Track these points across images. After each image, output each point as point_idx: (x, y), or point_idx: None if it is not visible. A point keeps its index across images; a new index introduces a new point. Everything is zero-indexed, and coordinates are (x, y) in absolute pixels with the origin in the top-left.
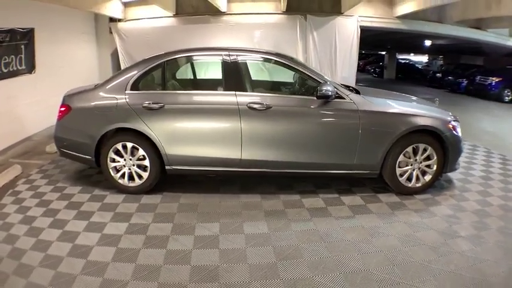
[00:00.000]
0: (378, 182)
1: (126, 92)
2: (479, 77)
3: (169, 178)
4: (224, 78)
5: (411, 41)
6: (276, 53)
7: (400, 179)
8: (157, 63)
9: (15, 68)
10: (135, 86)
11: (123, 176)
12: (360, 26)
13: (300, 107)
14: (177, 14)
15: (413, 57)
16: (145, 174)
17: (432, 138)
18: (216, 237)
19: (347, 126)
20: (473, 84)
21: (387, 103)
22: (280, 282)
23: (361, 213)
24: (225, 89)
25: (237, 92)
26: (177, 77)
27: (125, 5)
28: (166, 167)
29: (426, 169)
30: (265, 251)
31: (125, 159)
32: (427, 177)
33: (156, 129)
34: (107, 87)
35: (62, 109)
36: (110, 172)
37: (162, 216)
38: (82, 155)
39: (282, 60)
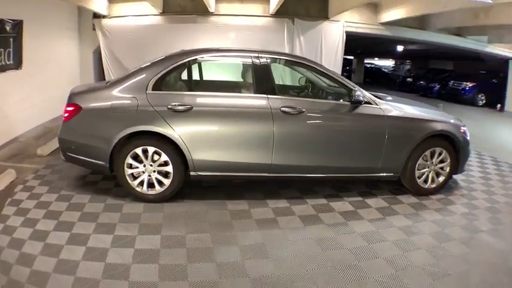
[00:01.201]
0: (393, 184)
1: (148, 92)
2: (452, 81)
3: (185, 185)
4: (255, 80)
5: (384, 46)
6: (306, 58)
7: (418, 180)
8: (181, 62)
9: (3, 63)
10: (157, 86)
11: (141, 183)
12: (346, 32)
13: (331, 112)
14: (164, 13)
15: (378, 62)
16: (166, 181)
17: (447, 142)
18: (262, 246)
19: (375, 130)
20: (446, 88)
21: (409, 109)
22: (347, 285)
23: (390, 215)
24: (256, 92)
25: (269, 96)
26: (204, 78)
27: (110, 0)
28: (191, 173)
29: (440, 171)
30: (318, 257)
31: (144, 165)
32: (441, 179)
33: (183, 132)
34: (124, 86)
35: (70, 109)
36: (126, 179)
37: (195, 225)
38: (93, 160)
39: (313, 65)
